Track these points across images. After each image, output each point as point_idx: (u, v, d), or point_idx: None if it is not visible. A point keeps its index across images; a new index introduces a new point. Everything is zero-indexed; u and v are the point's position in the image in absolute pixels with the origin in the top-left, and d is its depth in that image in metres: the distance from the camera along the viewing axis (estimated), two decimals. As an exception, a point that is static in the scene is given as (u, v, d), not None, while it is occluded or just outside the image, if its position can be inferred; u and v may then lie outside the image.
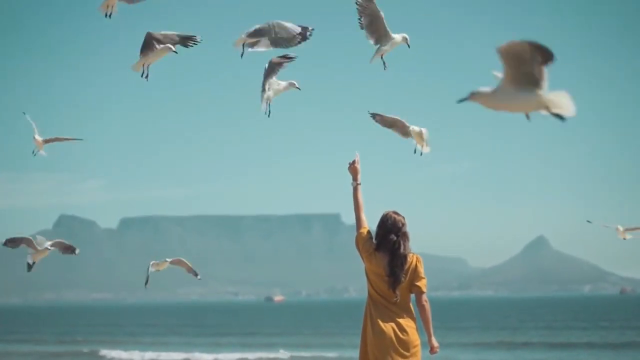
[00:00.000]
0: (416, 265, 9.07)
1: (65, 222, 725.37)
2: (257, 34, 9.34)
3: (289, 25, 9.34)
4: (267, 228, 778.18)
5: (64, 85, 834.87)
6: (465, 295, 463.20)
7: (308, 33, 9.35)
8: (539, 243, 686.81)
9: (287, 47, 9.36)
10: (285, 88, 9.70)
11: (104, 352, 52.23)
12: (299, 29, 9.34)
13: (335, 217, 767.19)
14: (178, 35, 9.38)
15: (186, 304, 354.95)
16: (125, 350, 53.36)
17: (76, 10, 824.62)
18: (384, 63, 9.83)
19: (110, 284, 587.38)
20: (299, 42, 9.37)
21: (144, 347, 56.84)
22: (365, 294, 9.25)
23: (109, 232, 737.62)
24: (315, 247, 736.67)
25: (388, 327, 8.91)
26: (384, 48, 9.72)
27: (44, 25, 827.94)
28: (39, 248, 11.17)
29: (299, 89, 9.69)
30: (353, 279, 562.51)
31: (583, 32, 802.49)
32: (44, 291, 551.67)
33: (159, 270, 11.75)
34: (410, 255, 9.05)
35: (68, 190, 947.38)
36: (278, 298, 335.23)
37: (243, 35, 9.37)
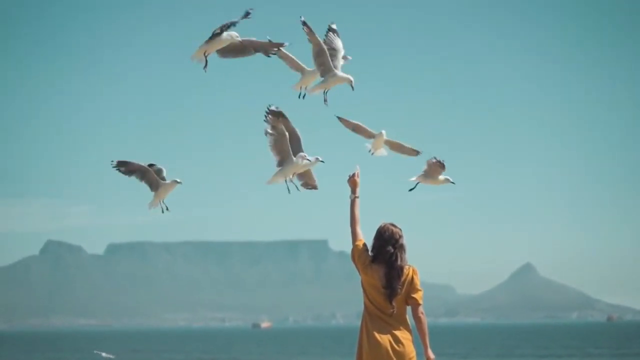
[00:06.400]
0: (412, 277, 9.16)
1: (51, 247, 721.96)
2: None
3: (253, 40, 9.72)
4: (254, 254, 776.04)
5: (51, 109, 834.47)
6: (452, 322, 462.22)
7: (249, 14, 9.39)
8: (526, 270, 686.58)
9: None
10: (308, 165, 10.21)
11: None
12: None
13: (323, 244, 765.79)
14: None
15: (173, 330, 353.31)
16: None
17: (63, 36, 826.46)
18: (325, 99, 10.21)
19: (97, 310, 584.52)
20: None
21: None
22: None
23: (96, 257, 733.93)
24: (302, 274, 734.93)
25: (384, 339, 8.96)
26: (324, 84, 10.09)
27: (29, 50, 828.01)
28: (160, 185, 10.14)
29: (323, 162, 10.20)
30: (340, 306, 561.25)
31: (582, 35, 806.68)
32: (29, 317, 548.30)
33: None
34: (407, 267, 9.14)
35: (55, 216, 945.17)
36: (265, 324, 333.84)
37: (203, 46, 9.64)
